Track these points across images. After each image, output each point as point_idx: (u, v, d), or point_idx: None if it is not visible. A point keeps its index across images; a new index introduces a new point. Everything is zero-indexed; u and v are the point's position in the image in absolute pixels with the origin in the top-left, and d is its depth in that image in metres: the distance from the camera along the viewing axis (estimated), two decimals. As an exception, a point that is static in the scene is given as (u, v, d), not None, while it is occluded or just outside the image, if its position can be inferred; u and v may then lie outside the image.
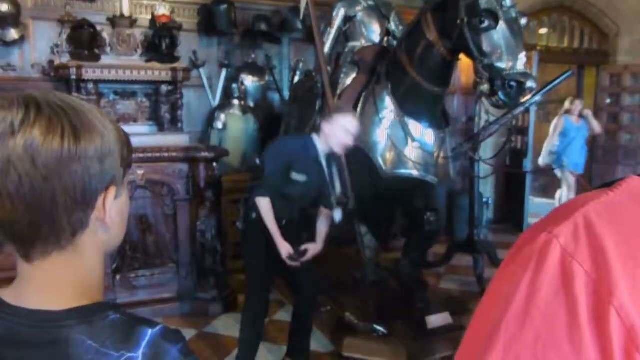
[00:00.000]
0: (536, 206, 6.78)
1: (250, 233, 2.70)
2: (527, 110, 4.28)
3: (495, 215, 6.18)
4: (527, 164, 5.78)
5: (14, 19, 4.00)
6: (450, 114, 3.62)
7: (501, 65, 2.63)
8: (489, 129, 3.32)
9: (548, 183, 7.77)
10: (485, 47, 2.67)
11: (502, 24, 2.64)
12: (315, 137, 2.68)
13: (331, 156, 2.72)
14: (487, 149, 4.79)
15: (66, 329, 0.69)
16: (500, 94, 2.61)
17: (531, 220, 6.19)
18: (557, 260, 0.49)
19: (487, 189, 5.61)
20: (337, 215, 2.76)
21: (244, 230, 2.77)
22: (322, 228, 2.80)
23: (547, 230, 0.51)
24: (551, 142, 5.49)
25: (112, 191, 0.73)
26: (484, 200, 4.49)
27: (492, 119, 3.24)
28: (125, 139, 0.76)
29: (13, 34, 4.05)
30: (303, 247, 2.66)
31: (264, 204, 2.57)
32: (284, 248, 2.57)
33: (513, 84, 2.59)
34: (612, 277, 0.45)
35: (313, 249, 2.72)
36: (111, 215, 0.74)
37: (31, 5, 4.18)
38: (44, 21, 4.22)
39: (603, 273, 0.46)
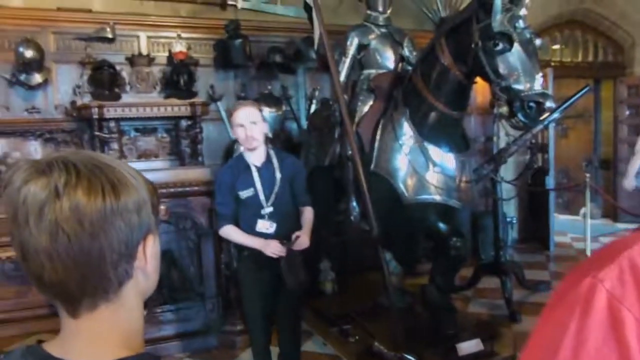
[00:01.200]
0: (561, 223, 6.67)
1: (243, 268, 2.68)
2: (545, 128, 4.26)
3: (520, 234, 6.08)
4: (550, 181, 5.71)
5: (38, 63, 4.12)
6: (469, 135, 3.61)
7: (519, 86, 2.63)
8: (509, 149, 3.30)
9: (571, 199, 7.66)
10: (502, 69, 2.68)
11: (516, 46, 2.65)
12: (241, 149, 2.72)
13: (269, 162, 2.61)
14: (508, 168, 4.75)
15: None
16: (520, 116, 2.61)
17: (557, 238, 6.09)
18: (604, 306, 0.48)
19: (510, 208, 5.54)
20: (261, 224, 2.56)
21: (237, 268, 2.78)
22: (305, 223, 2.69)
23: (590, 274, 0.50)
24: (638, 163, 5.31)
25: (151, 239, 0.76)
26: (508, 219, 4.44)
27: (511, 138, 3.23)
28: (152, 188, 0.79)
29: (37, 78, 4.17)
30: (294, 235, 2.52)
31: (229, 230, 2.59)
32: (268, 245, 2.46)
33: (532, 104, 2.59)
34: None
35: (302, 240, 2.54)
36: (151, 262, 0.77)
37: (54, 49, 4.31)
38: (66, 64, 4.34)
39: None
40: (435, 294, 3.28)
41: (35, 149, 4.28)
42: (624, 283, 0.48)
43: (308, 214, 2.72)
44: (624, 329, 0.47)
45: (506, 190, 4.14)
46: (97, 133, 3.96)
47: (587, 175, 4.93)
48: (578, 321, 0.49)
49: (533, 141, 3.49)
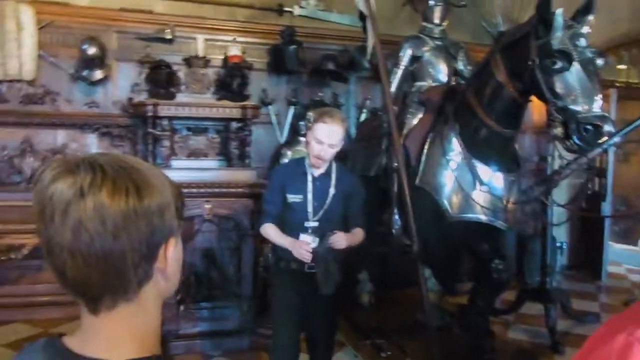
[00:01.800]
0: (616, 253, 6.33)
1: (277, 279, 2.61)
2: (605, 151, 4.06)
3: (570, 260, 5.82)
4: (606, 208, 5.44)
5: (100, 60, 4.30)
6: (522, 154, 3.49)
7: (576, 107, 2.51)
8: (562, 172, 3.17)
9: (629, 228, 7.27)
10: (559, 89, 2.57)
11: (576, 65, 2.53)
12: (305, 152, 2.60)
13: (327, 176, 2.50)
14: (561, 191, 4.56)
15: None
16: (575, 138, 2.49)
17: (610, 268, 5.79)
18: None
19: (561, 233, 5.31)
20: (303, 237, 2.43)
21: (272, 277, 2.71)
22: (351, 232, 2.54)
23: (627, 331, 0.47)
24: None
25: (172, 242, 0.77)
26: (558, 244, 4.25)
27: (565, 161, 3.09)
28: (177, 192, 0.80)
29: (98, 74, 4.34)
30: (332, 232, 2.39)
31: (268, 229, 2.50)
32: (299, 246, 2.35)
33: (589, 127, 2.47)
34: None
35: (338, 237, 2.39)
36: (172, 264, 0.78)
37: (115, 47, 4.48)
38: (126, 62, 4.51)
39: None
40: (474, 316, 3.18)
41: (92, 142, 4.46)
42: None
43: (357, 231, 2.56)
44: None
45: (558, 214, 3.97)
46: (150, 130, 4.08)
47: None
48: None
49: (590, 165, 3.33)
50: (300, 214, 2.46)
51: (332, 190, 2.49)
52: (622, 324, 0.48)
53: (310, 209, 2.46)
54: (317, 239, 2.43)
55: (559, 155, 3.07)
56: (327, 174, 2.52)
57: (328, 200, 2.48)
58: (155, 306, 0.79)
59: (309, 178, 2.48)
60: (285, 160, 4.35)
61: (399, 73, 3.77)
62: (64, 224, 0.68)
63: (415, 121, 3.44)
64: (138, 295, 0.75)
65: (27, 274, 4.02)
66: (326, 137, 2.39)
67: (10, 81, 4.21)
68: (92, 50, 4.23)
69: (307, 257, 2.35)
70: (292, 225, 2.49)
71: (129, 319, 0.75)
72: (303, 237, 2.44)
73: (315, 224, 2.46)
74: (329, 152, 2.43)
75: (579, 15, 2.63)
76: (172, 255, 0.77)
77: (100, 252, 0.69)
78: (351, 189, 2.58)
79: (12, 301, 4.01)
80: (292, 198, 2.47)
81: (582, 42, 2.59)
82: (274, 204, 2.53)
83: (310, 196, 2.46)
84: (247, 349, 3.68)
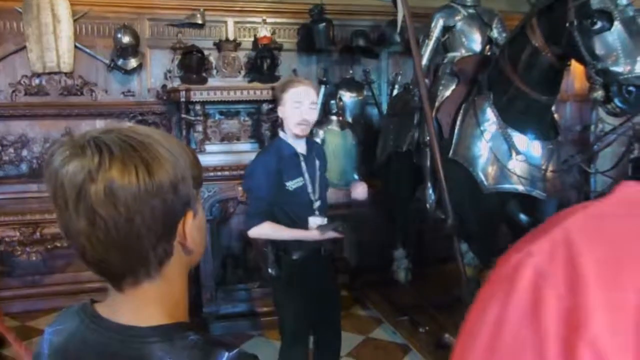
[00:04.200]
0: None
1: (288, 277, 2.37)
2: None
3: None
4: (655, 176, 5.19)
5: (134, 49, 4.36)
6: (563, 123, 3.36)
7: (617, 69, 2.38)
8: (605, 139, 3.02)
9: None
10: (599, 50, 2.43)
11: (617, 25, 2.39)
12: (281, 134, 2.41)
13: (314, 150, 2.45)
14: (606, 160, 4.36)
15: (149, 345, 0.72)
16: (617, 101, 2.36)
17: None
18: (528, 284, 0.42)
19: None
20: (313, 221, 2.33)
21: (277, 276, 2.39)
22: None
23: (522, 250, 0.44)
24: None
25: (190, 215, 0.76)
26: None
27: (607, 127, 2.95)
28: (193, 159, 0.77)
29: (133, 62, 4.42)
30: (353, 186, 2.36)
31: (266, 229, 2.27)
32: (314, 233, 2.26)
33: (632, 89, 2.34)
34: (587, 305, 0.38)
35: (361, 190, 2.47)
36: (192, 237, 0.77)
37: (148, 35, 4.54)
38: (159, 49, 4.56)
39: (578, 300, 0.39)
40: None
41: (129, 130, 4.56)
42: (554, 258, 0.42)
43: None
44: (544, 311, 0.40)
45: (602, 183, 3.81)
46: (183, 115, 4.13)
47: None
48: (500, 303, 0.43)
49: (634, 130, 3.16)
50: (304, 198, 2.34)
51: (317, 163, 2.42)
52: (522, 243, 0.46)
53: (310, 189, 2.35)
54: (324, 218, 2.36)
55: (601, 121, 2.93)
56: (309, 148, 2.42)
57: (318, 174, 2.41)
58: (180, 278, 0.79)
59: (301, 158, 2.36)
60: (318, 140, 4.33)
61: (430, 45, 3.66)
62: (77, 211, 0.68)
63: (447, 93, 3.34)
64: (161, 273, 0.75)
65: (73, 261, 4.15)
66: (304, 96, 2.27)
67: (49, 74, 4.33)
68: (126, 39, 4.30)
69: (338, 234, 2.27)
70: (297, 213, 2.33)
71: (153, 293, 0.75)
72: (313, 219, 2.33)
73: (319, 202, 2.39)
74: (312, 113, 2.32)
75: (619, -28, 2.48)
76: (191, 227, 0.76)
77: (117, 236, 0.68)
78: (323, 155, 2.53)
79: (60, 289, 4.17)
80: (294, 184, 2.31)
81: (623, 0, 2.45)
82: (265, 201, 2.29)
83: (307, 176, 2.35)
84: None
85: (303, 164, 2.36)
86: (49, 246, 3.89)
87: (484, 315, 0.45)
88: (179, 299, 0.79)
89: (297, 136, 2.34)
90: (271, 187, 2.29)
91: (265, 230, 2.29)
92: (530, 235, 0.47)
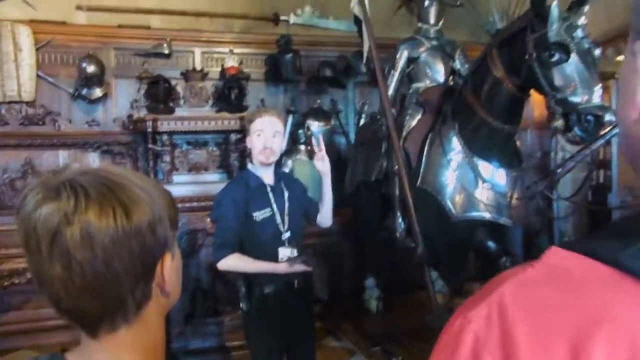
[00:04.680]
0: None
1: (261, 311, 2.30)
2: (608, 143, 4.02)
3: (580, 255, 5.73)
4: (612, 199, 5.37)
5: (98, 78, 4.30)
6: (524, 150, 3.45)
7: (575, 99, 2.47)
8: (566, 166, 3.13)
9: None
10: (557, 81, 2.53)
11: (574, 56, 2.50)
12: (249, 166, 2.43)
13: (284, 180, 2.45)
14: (566, 186, 4.51)
15: None
16: (576, 130, 2.45)
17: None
18: (469, 350, 0.44)
19: (567, 227, 5.25)
20: (283, 252, 2.31)
21: (248, 310, 2.34)
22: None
23: (462, 314, 0.47)
24: None
25: (168, 257, 0.74)
26: (565, 239, 4.20)
27: (568, 154, 3.06)
28: (170, 200, 0.76)
29: (97, 92, 4.35)
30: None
31: (235, 261, 2.22)
32: (282, 266, 2.22)
33: (590, 118, 2.43)
34: None
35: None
36: (170, 279, 0.75)
37: (114, 64, 4.49)
38: (125, 79, 4.51)
39: None
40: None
41: (94, 160, 4.45)
42: (490, 324, 0.44)
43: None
44: None
45: (565, 208, 3.92)
46: (150, 146, 4.08)
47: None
48: None
49: (593, 157, 3.28)
50: (272, 229, 2.32)
51: (286, 194, 2.40)
52: (463, 308, 0.48)
53: (279, 220, 2.33)
54: (294, 250, 2.32)
55: (562, 148, 3.03)
56: (278, 179, 2.42)
57: (287, 205, 2.38)
58: (158, 323, 0.77)
59: (268, 189, 2.35)
60: (286, 170, 4.33)
61: (396, 75, 3.75)
62: (51, 256, 0.65)
63: (414, 123, 3.41)
64: (138, 317, 0.72)
65: (32, 298, 3.98)
66: (267, 125, 2.29)
67: (10, 103, 4.22)
68: (91, 69, 4.24)
69: (307, 267, 2.22)
70: (265, 244, 2.29)
71: (130, 340, 0.73)
72: (282, 251, 2.30)
73: (288, 234, 2.35)
74: (276, 142, 2.32)
75: (574, 7, 2.60)
76: (169, 269, 0.74)
77: (94, 281, 0.66)
78: (295, 185, 2.52)
79: (17, 327, 3.97)
80: (261, 215, 2.29)
81: (579, 33, 2.56)
82: (233, 231, 2.25)
83: (275, 207, 2.33)
84: (256, 361, 3.64)
85: (271, 195, 2.34)
86: (5, 283, 3.73)
87: None
88: (157, 344, 0.77)
89: (263, 164, 2.34)
90: (238, 217, 2.26)
91: (233, 263, 2.24)
92: (470, 300, 0.49)
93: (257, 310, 2.32)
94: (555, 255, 0.47)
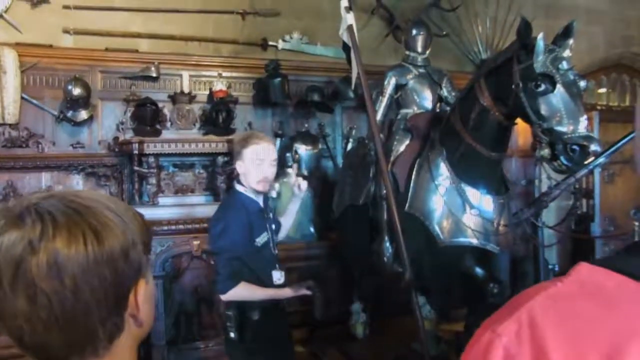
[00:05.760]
0: (608, 273, 6.30)
1: (248, 339, 2.25)
2: (591, 172, 4.10)
3: (563, 282, 5.78)
4: (595, 228, 5.46)
5: (84, 101, 4.27)
6: (509, 177, 3.50)
7: (561, 129, 2.52)
8: (551, 194, 3.17)
9: (619, 248, 7.28)
10: (544, 111, 2.58)
11: (559, 87, 2.56)
12: (239, 188, 2.35)
13: (266, 204, 2.45)
14: (550, 214, 4.57)
15: None
16: (562, 159, 2.50)
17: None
18: None
19: (552, 255, 5.31)
20: (275, 275, 2.34)
21: (239, 340, 2.25)
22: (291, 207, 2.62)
23: (490, 328, 0.48)
24: None
25: (142, 284, 0.69)
26: (550, 267, 4.24)
27: (553, 183, 3.11)
28: (143, 224, 0.72)
29: (83, 114, 4.31)
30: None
31: (244, 290, 2.17)
32: (287, 291, 2.26)
33: (575, 147, 2.48)
34: None
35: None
36: (143, 307, 0.70)
37: (100, 87, 4.47)
38: (111, 101, 4.49)
39: None
40: (471, 342, 3.12)
41: (78, 183, 4.39)
42: (521, 339, 0.45)
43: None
44: None
45: (548, 236, 3.97)
46: (136, 168, 4.05)
47: (636, 223, 4.70)
48: None
49: (577, 186, 3.34)
50: (268, 252, 2.33)
51: (271, 215, 2.44)
52: (490, 322, 0.49)
53: (272, 244, 2.35)
54: (283, 272, 2.35)
55: (548, 177, 3.08)
56: (265, 202, 2.43)
57: (273, 226, 2.41)
58: (130, 355, 0.71)
59: (264, 213, 2.36)
60: (273, 193, 4.31)
61: (384, 101, 3.79)
62: (14, 288, 0.59)
63: (402, 148, 3.44)
64: (110, 350, 0.67)
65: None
66: (265, 154, 2.26)
67: (-7, 125, 4.16)
68: (77, 91, 4.20)
69: (306, 291, 2.26)
70: (262, 269, 2.29)
71: None
72: (275, 274, 2.32)
73: (276, 253, 2.40)
74: (273, 170, 2.31)
75: (559, 40, 2.68)
76: (143, 297, 0.69)
77: (61, 314, 0.61)
78: (270, 206, 2.57)
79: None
80: (261, 240, 2.28)
81: (564, 64, 2.62)
82: (240, 261, 2.21)
83: (269, 231, 2.34)
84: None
85: (265, 219, 2.37)
86: None
87: None
88: None
89: (260, 192, 2.34)
90: (246, 244, 2.21)
91: (241, 292, 2.18)
92: (497, 315, 0.50)
93: (247, 340, 2.26)
94: (585, 271, 0.48)
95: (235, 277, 2.18)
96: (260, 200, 2.37)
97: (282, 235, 2.60)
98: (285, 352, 2.41)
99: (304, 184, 2.51)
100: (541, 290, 0.48)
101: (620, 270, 0.46)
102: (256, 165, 2.25)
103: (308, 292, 2.26)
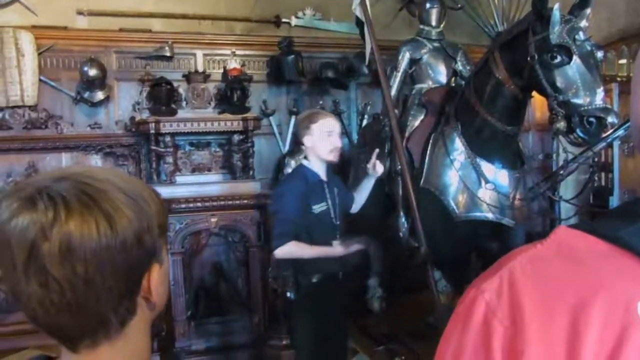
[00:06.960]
0: (626, 246, 6.24)
1: (310, 299, 2.44)
2: (609, 145, 4.04)
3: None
4: (614, 202, 5.39)
5: (100, 81, 4.32)
6: (526, 152, 3.47)
7: (578, 101, 2.49)
8: (568, 167, 3.15)
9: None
10: (559, 83, 2.55)
11: (576, 59, 2.51)
12: (305, 162, 2.58)
13: (330, 177, 2.63)
14: (568, 188, 4.53)
15: None
16: (579, 131, 2.47)
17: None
18: (481, 317, 0.49)
19: (570, 229, 5.27)
20: (336, 243, 2.49)
21: (296, 299, 2.48)
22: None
23: (475, 285, 0.51)
24: None
25: (156, 268, 0.69)
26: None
27: (570, 156, 3.08)
28: (160, 205, 0.70)
29: (100, 95, 4.36)
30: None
31: (292, 247, 2.35)
32: (338, 249, 2.42)
33: (592, 120, 2.45)
34: (525, 335, 0.45)
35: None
36: (157, 290, 0.70)
37: (116, 68, 4.51)
38: (127, 81, 4.53)
39: (518, 332, 0.46)
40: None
41: (97, 163, 4.46)
42: (501, 295, 0.49)
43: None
44: (493, 339, 0.47)
45: (566, 210, 3.94)
46: (153, 147, 4.10)
47: (656, 195, 4.63)
48: (459, 334, 0.50)
49: (595, 159, 3.30)
50: (327, 222, 2.50)
51: (336, 190, 2.59)
52: (476, 281, 0.52)
53: (332, 214, 2.51)
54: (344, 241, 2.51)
55: (564, 150, 3.05)
56: (329, 176, 2.61)
57: (338, 200, 2.56)
58: (143, 337, 0.72)
59: (324, 184, 2.54)
60: (289, 170, 4.34)
61: (398, 77, 3.76)
62: (27, 274, 0.59)
63: (417, 123, 3.43)
64: (122, 333, 0.67)
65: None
66: (334, 126, 2.52)
67: (13, 107, 4.23)
68: (93, 72, 4.25)
69: (362, 246, 2.48)
70: (320, 236, 2.45)
71: (114, 356, 0.67)
72: (336, 243, 2.47)
73: (338, 224, 2.55)
74: (340, 141, 2.55)
75: (576, 10, 2.62)
76: (156, 280, 0.69)
77: (73, 299, 0.60)
78: (340, 182, 2.75)
79: (24, 328, 3.99)
80: (319, 208, 2.46)
81: (581, 35, 2.57)
82: (293, 222, 2.38)
83: (329, 201, 2.51)
84: (259, 361, 3.66)
85: (326, 190, 2.53)
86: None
87: (447, 346, 0.52)
88: (141, 357, 0.72)
89: (329, 162, 2.54)
90: (299, 209, 2.40)
91: (291, 249, 2.36)
92: (485, 273, 0.53)
93: (303, 298, 2.46)
94: (562, 233, 0.51)
95: (286, 236, 2.36)
96: (322, 173, 2.54)
97: (355, 208, 2.81)
98: (338, 318, 2.53)
99: (380, 166, 2.76)
100: (523, 252, 0.52)
101: (594, 232, 0.49)
102: (326, 136, 2.47)
103: (360, 247, 2.44)
